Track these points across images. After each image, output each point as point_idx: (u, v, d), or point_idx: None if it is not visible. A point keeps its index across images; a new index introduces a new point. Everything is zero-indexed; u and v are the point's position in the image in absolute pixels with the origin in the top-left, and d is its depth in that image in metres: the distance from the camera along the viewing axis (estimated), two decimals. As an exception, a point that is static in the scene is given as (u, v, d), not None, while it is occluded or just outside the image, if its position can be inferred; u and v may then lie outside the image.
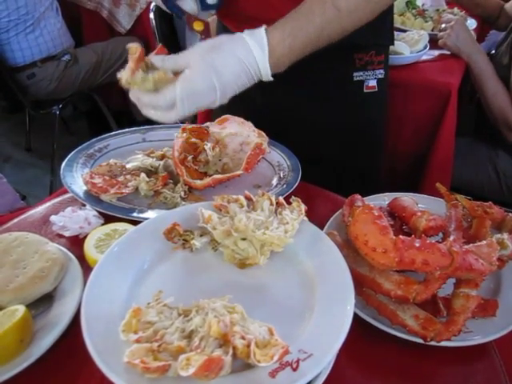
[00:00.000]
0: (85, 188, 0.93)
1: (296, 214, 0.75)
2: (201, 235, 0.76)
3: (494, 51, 1.95)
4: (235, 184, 1.01)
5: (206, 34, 0.91)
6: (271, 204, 0.76)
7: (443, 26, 1.87)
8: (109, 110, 3.00)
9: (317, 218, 0.81)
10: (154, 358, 0.53)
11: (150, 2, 2.56)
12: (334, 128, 1.21)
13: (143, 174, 0.96)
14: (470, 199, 0.85)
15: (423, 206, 0.89)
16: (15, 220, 0.95)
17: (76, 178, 0.97)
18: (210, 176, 0.98)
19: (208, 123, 1.11)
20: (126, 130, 1.15)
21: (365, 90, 1.19)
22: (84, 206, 0.92)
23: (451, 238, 0.75)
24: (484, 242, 0.72)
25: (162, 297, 0.61)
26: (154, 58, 0.78)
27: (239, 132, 1.08)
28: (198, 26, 0.91)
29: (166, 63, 0.77)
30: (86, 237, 0.84)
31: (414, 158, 1.81)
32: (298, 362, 0.56)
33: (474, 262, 0.67)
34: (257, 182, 1.02)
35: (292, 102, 1.18)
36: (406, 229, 0.82)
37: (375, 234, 0.67)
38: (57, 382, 0.65)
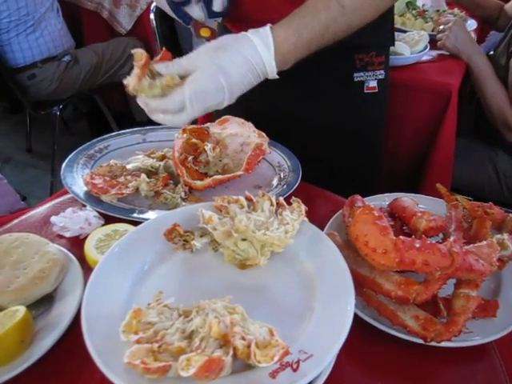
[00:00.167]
0: (85, 189, 0.93)
1: (296, 214, 0.75)
2: (201, 236, 0.76)
3: (491, 52, 1.95)
4: (235, 184, 1.01)
5: (211, 40, 0.91)
6: (271, 205, 0.76)
7: (441, 27, 1.87)
8: (109, 111, 3.00)
9: (317, 218, 0.81)
10: (155, 359, 0.53)
11: (151, 3, 2.56)
12: (335, 128, 1.21)
13: (144, 175, 0.96)
14: (470, 200, 0.85)
15: (423, 206, 0.89)
16: (16, 221, 0.95)
17: (76, 178, 0.97)
18: (211, 177, 0.98)
19: (208, 124, 1.11)
20: (127, 130, 1.15)
21: (365, 91, 1.19)
22: (84, 206, 0.92)
23: (451, 238, 0.74)
24: (484, 242, 0.72)
25: (163, 297, 0.61)
26: (158, 66, 0.78)
27: (240, 132, 1.08)
28: (204, 33, 0.92)
29: (171, 69, 0.76)
30: (86, 237, 0.84)
31: (415, 158, 1.81)
32: (298, 362, 0.56)
33: (474, 263, 0.67)
34: (257, 183, 1.03)
35: (292, 102, 1.19)
36: (407, 229, 0.82)
37: (375, 235, 0.67)
38: (57, 382, 0.65)
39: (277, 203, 0.77)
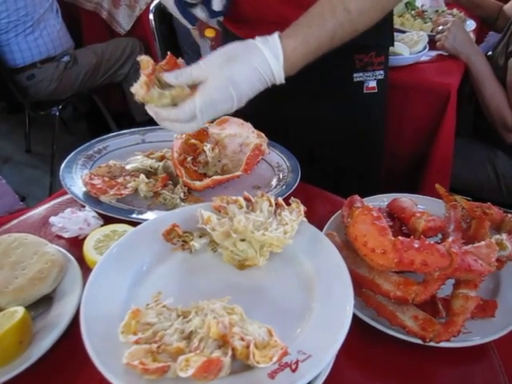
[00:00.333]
0: (84, 189, 0.93)
1: (295, 214, 0.75)
2: (200, 236, 0.76)
3: (490, 52, 1.95)
4: (234, 185, 1.01)
5: (216, 41, 0.92)
6: (270, 205, 0.76)
7: (440, 28, 1.87)
8: (108, 111, 3.00)
9: (316, 218, 0.81)
10: (153, 360, 0.54)
11: (150, 3, 2.55)
12: (334, 129, 1.21)
13: (142, 175, 0.96)
14: (469, 200, 0.85)
15: (422, 206, 0.89)
16: (14, 221, 0.95)
17: (75, 179, 0.97)
18: (210, 177, 0.98)
19: (207, 124, 1.11)
20: (126, 131, 1.15)
21: (365, 91, 1.19)
22: (83, 207, 0.92)
23: (450, 238, 0.75)
24: (483, 242, 0.72)
25: (162, 298, 0.61)
26: (167, 77, 0.78)
27: (238, 133, 1.09)
28: (209, 33, 0.93)
29: (180, 79, 0.77)
30: (85, 238, 0.84)
31: (414, 158, 1.81)
32: (297, 362, 0.56)
33: (472, 263, 0.67)
34: (256, 183, 1.03)
35: (292, 102, 1.19)
36: (405, 230, 0.82)
37: (374, 235, 0.67)
38: (56, 383, 0.65)
39: (276, 204, 0.77)
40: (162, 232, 0.75)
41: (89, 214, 0.90)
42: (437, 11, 2.24)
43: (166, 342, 0.55)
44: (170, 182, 0.99)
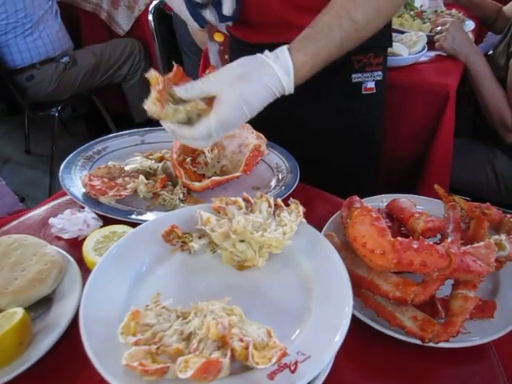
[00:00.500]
0: (83, 190, 0.93)
1: (294, 215, 0.75)
2: (199, 237, 0.76)
3: (491, 52, 1.95)
4: (234, 186, 1.01)
5: (224, 45, 0.92)
6: (269, 206, 0.77)
7: (439, 28, 1.87)
8: (108, 112, 3.00)
9: (315, 219, 0.81)
10: (153, 361, 0.54)
11: (149, 4, 2.56)
12: (333, 129, 1.21)
13: (142, 176, 0.96)
14: (468, 200, 0.86)
15: (421, 207, 0.89)
16: (14, 222, 0.95)
17: (75, 180, 0.97)
18: (209, 178, 0.98)
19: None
20: (125, 132, 1.15)
21: (363, 92, 1.19)
22: (83, 208, 0.92)
23: (449, 239, 0.75)
24: (482, 243, 0.72)
25: (161, 299, 0.61)
26: (178, 91, 0.78)
27: (238, 134, 1.09)
28: (218, 38, 0.94)
29: (191, 92, 0.78)
30: (84, 239, 0.84)
31: (412, 159, 1.81)
32: (296, 363, 0.56)
33: (471, 264, 0.67)
34: (255, 184, 1.03)
35: (290, 103, 1.18)
36: (404, 230, 0.82)
37: (373, 236, 0.67)
38: (56, 384, 0.65)
39: (275, 204, 0.77)
40: (162, 233, 0.75)
41: (88, 215, 0.90)
42: (436, 11, 2.24)
43: (166, 343, 0.55)
44: (170, 183, 0.99)
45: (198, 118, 0.78)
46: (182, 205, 0.93)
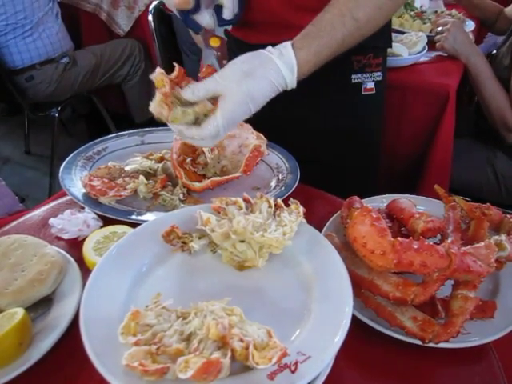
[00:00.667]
0: (83, 191, 0.93)
1: (294, 216, 0.75)
2: (199, 237, 0.76)
3: (495, 51, 1.94)
4: (234, 186, 1.01)
5: (221, 50, 0.92)
6: (270, 206, 0.77)
7: (439, 28, 1.87)
8: (107, 113, 3.00)
9: (315, 219, 0.81)
10: (153, 361, 0.54)
11: (149, 4, 2.56)
12: (333, 130, 1.21)
13: (142, 177, 0.96)
14: (468, 201, 0.86)
15: (421, 207, 0.89)
16: (14, 223, 0.95)
17: (75, 180, 0.97)
18: (209, 178, 0.98)
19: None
20: (125, 132, 1.15)
21: (363, 92, 1.19)
22: (83, 208, 0.92)
23: (449, 239, 0.75)
24: (482, 243, 0.72)
25: (161, 299, 0.61)
26: (185, 94, 0.78)
27: (238, 134, 1.09)
28: (214, 43, 0.93)
29: (197, 94, 0.78)
30: (84, 239, 0.84)
31: (413, 159, 1.81)
32: (296, 364, 0.56)
33: (472, 264, 0.67)
34: (255, 184, 1.03)
35: (290, 103, 1.18)
36: (404, 231, 0.82)
37: (373, 236, 0.67)
38: (56, 384, 0.65)
39: (275, 205, 0.77)
40: (162, 233, 0.75)
41: (88, 215, 0.90)
42: (436, 12, 2.24)
43: (166, 344, 0.55)
44: (170, 184, 0.99)
45: (204, 118, 0.78)
46: (182, 205, 0.93)
